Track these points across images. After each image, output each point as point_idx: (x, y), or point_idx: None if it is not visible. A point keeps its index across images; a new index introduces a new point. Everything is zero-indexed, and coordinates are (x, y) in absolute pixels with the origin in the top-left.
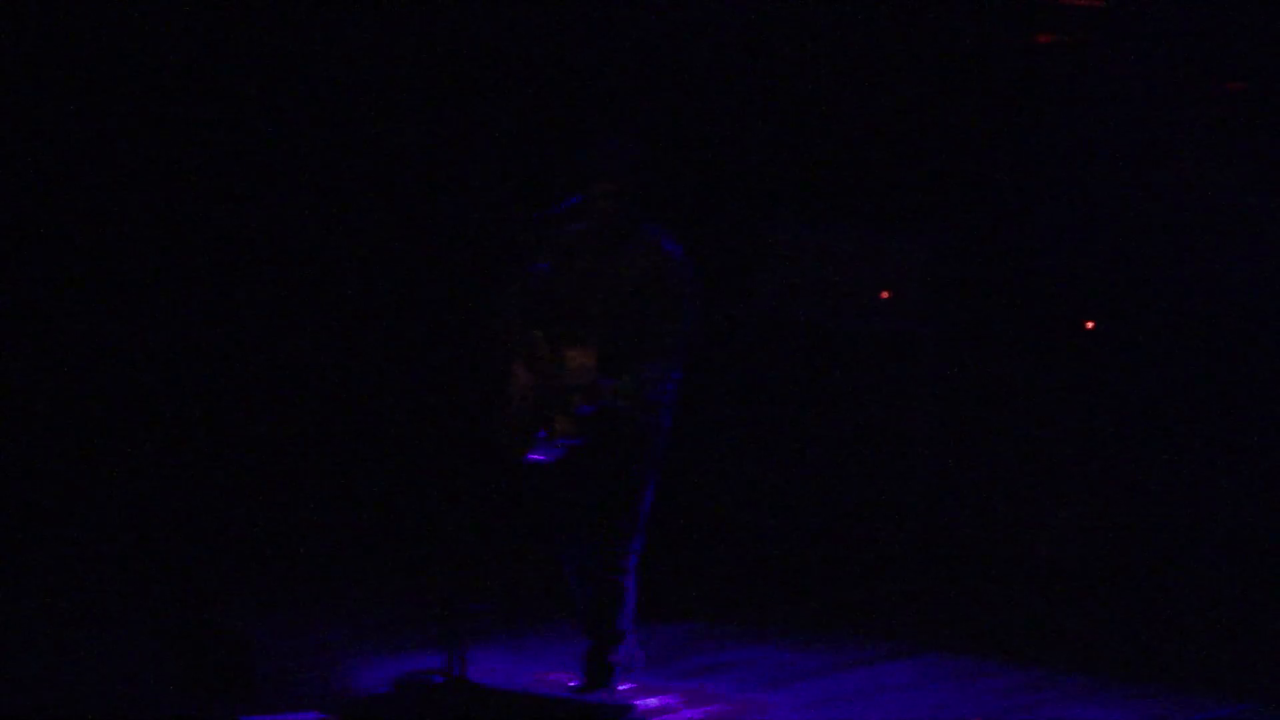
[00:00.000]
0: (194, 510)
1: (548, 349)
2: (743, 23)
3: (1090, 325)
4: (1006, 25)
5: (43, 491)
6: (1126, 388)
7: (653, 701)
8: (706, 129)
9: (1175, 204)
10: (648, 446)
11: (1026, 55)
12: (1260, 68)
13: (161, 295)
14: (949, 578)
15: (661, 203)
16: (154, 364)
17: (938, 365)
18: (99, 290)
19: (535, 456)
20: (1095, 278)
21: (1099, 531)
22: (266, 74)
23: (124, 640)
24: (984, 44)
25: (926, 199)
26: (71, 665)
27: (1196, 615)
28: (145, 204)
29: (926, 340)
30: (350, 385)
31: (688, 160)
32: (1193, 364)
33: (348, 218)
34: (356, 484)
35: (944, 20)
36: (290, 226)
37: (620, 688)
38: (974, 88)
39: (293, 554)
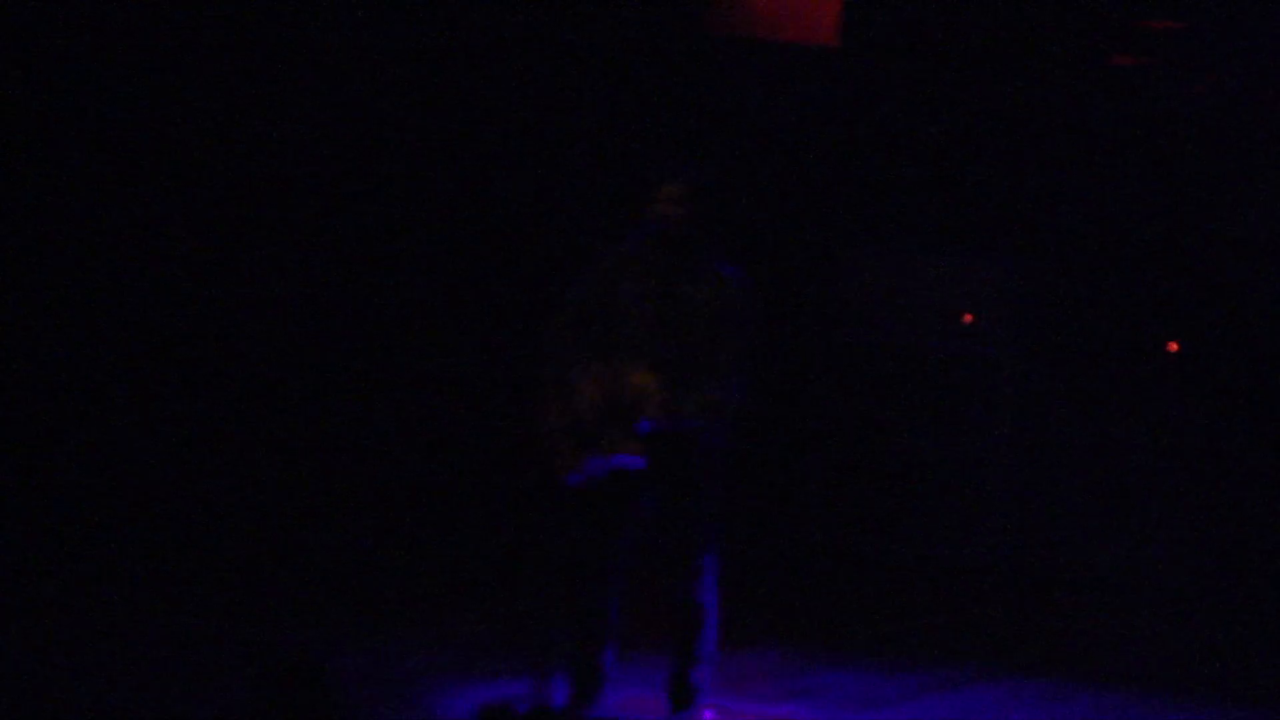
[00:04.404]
0: (275, 539)
1: (607, 368)
2: (822, 47)
3: (1173, 347)
4: (1086, 49)
5: (116, 519)
6: (1207, 410)
7: None
8: (791, 153)
9: (1256, 225)
10: (710, 465)
11: (1106, 79)
12: None
13: (258, 321)
14: (1031, 601)
15: (737, 226)
16: (232, 390)
17: (1018, 388)
18: (196, 313)
19: (589, 472)
20: (1176, 299)
21: (1180, 553)
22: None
23: (202, 669)
24: (1064, 69)
25: (1007, 224)
26: (148, 693)
27: None
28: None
29: (1007, 363)
30: (437, 414)
31: (771, 183)
32: (1274, 386)
33: (448, 255)
34: (439, 511)
35: (1024, 46)
36: (390, 251)
37: (706, 714)
38: (1054, 113)
39: (374, 582)
